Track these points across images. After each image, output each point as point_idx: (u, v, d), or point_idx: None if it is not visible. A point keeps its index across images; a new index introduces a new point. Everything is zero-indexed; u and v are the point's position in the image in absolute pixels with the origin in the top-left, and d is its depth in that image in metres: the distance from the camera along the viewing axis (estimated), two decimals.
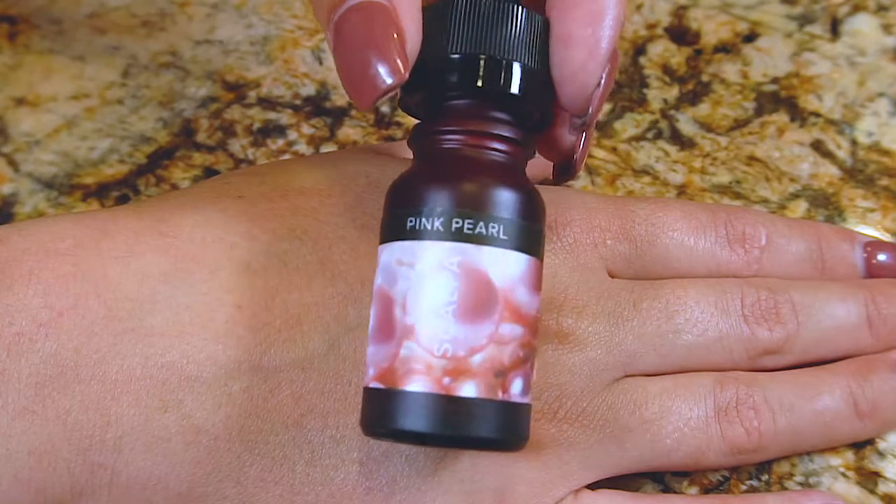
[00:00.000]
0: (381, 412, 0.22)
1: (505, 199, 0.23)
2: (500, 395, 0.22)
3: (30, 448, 0.24)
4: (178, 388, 0.25)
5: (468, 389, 0.22)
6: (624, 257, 0.30)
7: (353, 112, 0.38)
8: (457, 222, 0.22)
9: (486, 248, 0.22)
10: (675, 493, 0.30)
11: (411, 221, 0.23)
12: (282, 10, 0.41)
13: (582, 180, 0.36)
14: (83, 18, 0.41)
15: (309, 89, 0.39)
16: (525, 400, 0.23)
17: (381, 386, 0.22)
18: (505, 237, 0.22)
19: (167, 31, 0.40)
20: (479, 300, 0.22)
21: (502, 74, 0.23)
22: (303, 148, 0.37)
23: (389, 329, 0.23)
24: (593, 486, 0.28)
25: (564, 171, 0.26)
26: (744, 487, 0.30)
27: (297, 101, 0.38)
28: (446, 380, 0.22)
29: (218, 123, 0.37)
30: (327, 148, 0.37)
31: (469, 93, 0.23)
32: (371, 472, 0.26)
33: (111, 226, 0.26)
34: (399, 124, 0.37)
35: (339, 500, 0.26)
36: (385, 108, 0.38)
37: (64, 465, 0.24)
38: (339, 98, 0.38)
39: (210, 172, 0.36)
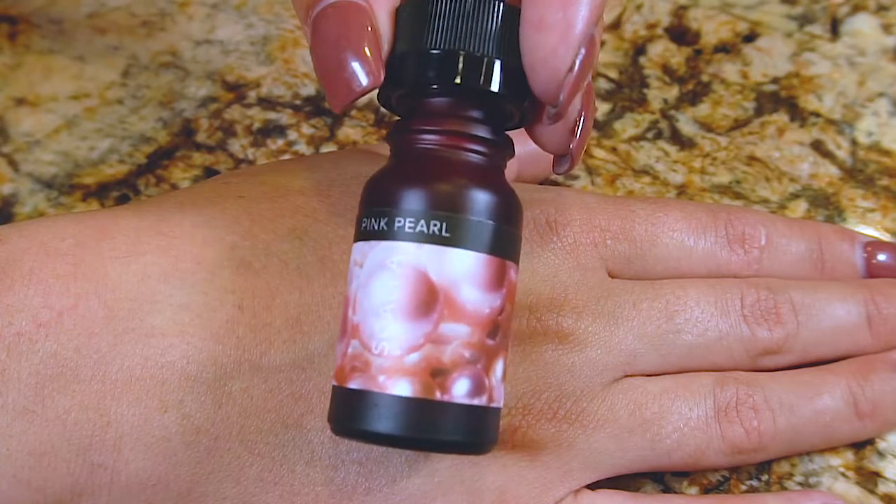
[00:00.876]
0: (335, 410, 0.23)
1: (447, 196, 0.22)
2: (438, 396, 0.22)
3: (30, 448, 0.24)
4: (178, 388, 0.25)
5: (402, 388, 0.22)
6: (624, 257, 0.30)
7: (353, 112, 0.38)
8: (398, 221, 0.22)
9: (427, 247, 0.22)
10: (675, 493, 0.30)
11: (364, 222, 0.23)
12: (282, 10, 0.41)
13: (582, 180, 0.36)
14: (83, 18, 0.41)
15: (309, 89, 0.39)
16: (477, 402, 0.22)
17: (335, 384, 0.23)
18: (448, 235, 0.22)
19: (167, 31, 0.40)
20: (417, 299, 0.22)
21: (480, 71, 0.22)
22: (303, 148, 0.37)
23: (344, 328, 0.23)
24: (593, 486, 0.28)
25: (561, 162, 0.26)
26: (744, 487, 0.30)
27: (297, 101, 0.38)
28: (381, 378, 0.22)
29: (218, 123, 0.37)
30: (327, 148, 0.37)
31: (445, 90, 0.23)
32: (371, 473, 0.26)
33: (111, 226, 0.26)
34: None
35: (339, 501, 0.26)
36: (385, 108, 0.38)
37: (64, 465, 0.24)
38: None
39: (210, 172, 0.36)
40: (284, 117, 0.38)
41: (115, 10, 0.41)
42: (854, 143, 0.37)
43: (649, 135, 0.37)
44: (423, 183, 0.22)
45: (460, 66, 0.22)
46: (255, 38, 0.40)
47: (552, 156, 0.26)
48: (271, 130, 0.37)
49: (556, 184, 0.35)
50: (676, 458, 0.28)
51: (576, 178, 0.36)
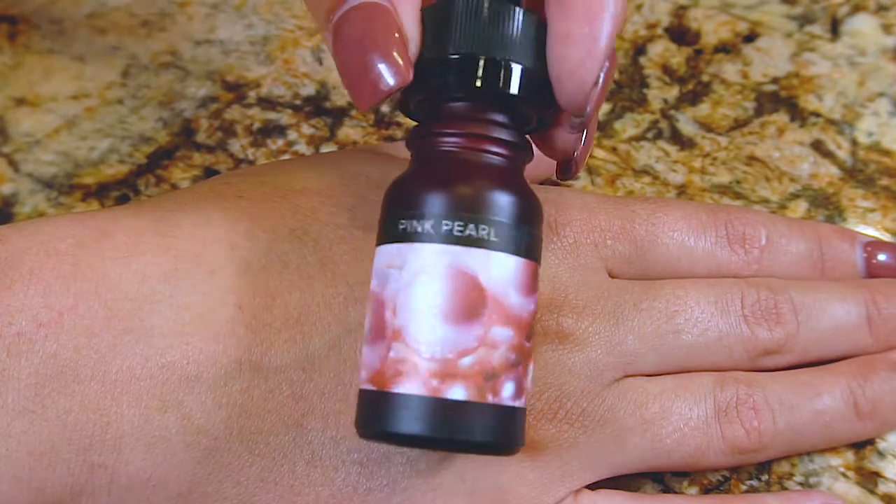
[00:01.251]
0: (372, 414, 0.22)
1: (496, 202, 0.22)
2: (489, 399, 0.22)
3: (29, 448, 0.24)
4: (179, 389, 0.25)
5: (457, 392, 0.22)
6: (624, 257, 0.30)
7: (353, 112, 0.38)
8: (446, 224, 0.22)
9: (475, 251, 0.22)
10: (675, 493, 0.30)
11: (402, 224, 0.23)
12: (282, 10, 0.41)
13: (582, 180, 0.36)
14: (83, 18, 0.41)
15: (309, 89, 0.39)
16: (517, 403, 0.23)
17: (372, 388, 0.22)
18: (495, 239, 0.22)
19: (167, 31, 0.40)
20: (467, 303, 0.22)
21: (501, 75, 0.23)
22: (303, 148, 0.37)
23: (381, 331, 0.22)
24: (593, 486, 0.28)
25: (566, 168, 0.26)
26: (744, 487, 0.30)
27: (297, 101, 0.38)
28: (434, 382, 0.22)
29: (218, 123, 0.37)
30: (327, 148, 0.37)
31: (467, 94, 0.23)
32: (372, 473, 0.26)
33: (111, 226, 0.26)
34: (399, 124, 0.37)
35: (339, 501, 0.26)
36: (385, 108, 0.38)
37: (64, 466, 0.24)
38: (339, 98, 0.38)
39: (210, 172, 0.36)
40: (284, 117, 0.38)
41: (115, 10, 0.41)
42: (854, 143, 0.37)
43: (649, 135, 0.37)
44: (473, 187, 0.23)
45: (501, 68, 0.23)
46: (255, 38, 0.40)
47: (555, 161, 0.26)
48: (271, 130, 0.37)
49: (556, 184, 0.35)
50: (676, 458, 0.28)
51: (576, 178, 0.36)
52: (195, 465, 0.25)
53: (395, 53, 0.22)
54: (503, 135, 0.24)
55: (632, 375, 0.28)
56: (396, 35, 0.22)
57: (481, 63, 0.23)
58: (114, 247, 0.26)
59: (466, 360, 0.22)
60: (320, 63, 0.39)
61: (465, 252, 0.22)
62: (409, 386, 0.22)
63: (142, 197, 0.36)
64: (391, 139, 0.37)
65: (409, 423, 0.22)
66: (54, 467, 0.24)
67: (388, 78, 0.22)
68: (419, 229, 0.22)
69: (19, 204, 0.35)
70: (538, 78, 0.23)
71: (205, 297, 0.25)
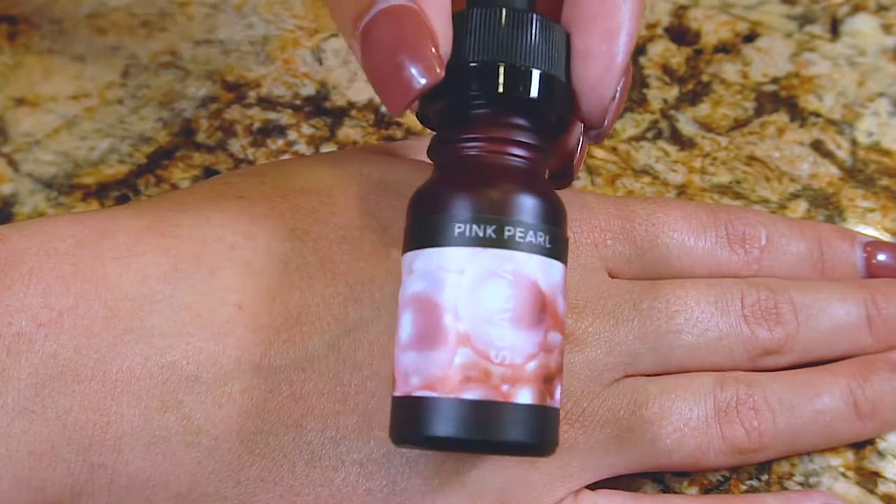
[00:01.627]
0: (432, 420, 0.22)
1: (547, 209, 0.23)
2: (548, 401, 0.22)
3: (29, 448, 0.24)
4: (178, 389, 0.25)
5: (524, 396, 0.22)
6: (624, 257, 0.30)
7: (353, 112, 0.38)
8: (509, 230, 0.22)
9: (536, 257, 0.22)
10: (675, 493, 0.30)
11: (459, 228, 0.22)
12: (282, 10, 0.41)
13: (582, 180, 0.36)
14: (83, 18, 0.41)
15: (309, 89, 0.39)
16: (559, 405, 0.23)
17: (432, 394, 0.22)
18: (549, 246, 0.23)
19: (167, 31, 0.40)
20: (532, 308, 0.22)
21: (524, 81, 0.23)
22: (303, 148, 0.37)
23: (438, 336, 0.22)
24: (593, 486, 0.28)
25: (561, 176, 0.27)
26: (744, 487, 0.30)
27: (297, 101, 0.38)
28: (505, 387, 0.22)
29: (218, 123, 0.37)
30: (327, 148, 0.37)
31: (495, 101, 0.23)
32: (371, 474, 0.26)
33: (111, 226, 0.26)
34: (399, 124, 0.37)
35: (339, 501, 0.26)
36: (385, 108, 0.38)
37: (64, 465, 0.24)
38: (339, 98, 0.38)
39: (210, 172, 0.36)
40: (284, 117, 0.38)
41: (115, 10, 0.41)
42: (854, 143, 0.37)
43: (649, 135, 0.37)
44: (536, 194, 0.23)
45: (546, 76, 0.23)
46: (255, 38, 0.40)
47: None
48: (271, 130, 0.37)
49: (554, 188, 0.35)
50: (676, 458, 0.28)
51: (576, 178, 0.36)
52: (195, 465, 0.25)
53: (426, 51, 0.22)
54: (547, 145, 0.24)
55: (632, 375, 0.28)
56: (426, 35, 0.22)
57: (503, 70, 0.23)
58: (114, 247, 0.26)
59: (531, 365, 0.22)
60: (320, 63, 0.39)
61: (528, 258, 0.22)
62: (482, 392, 0.22)
63: (142, 197, 0.36)
64: (391, 139, 0.37)
65: (479, 428, 0.22)
66: (54, 467, 0.24)
67: (420, 77, 0.22)
68: (480, 234, 0.22)
69: (19, 204, 0.35)
70: (559, 85, 0.24)
71: (204, 297, 0.25)
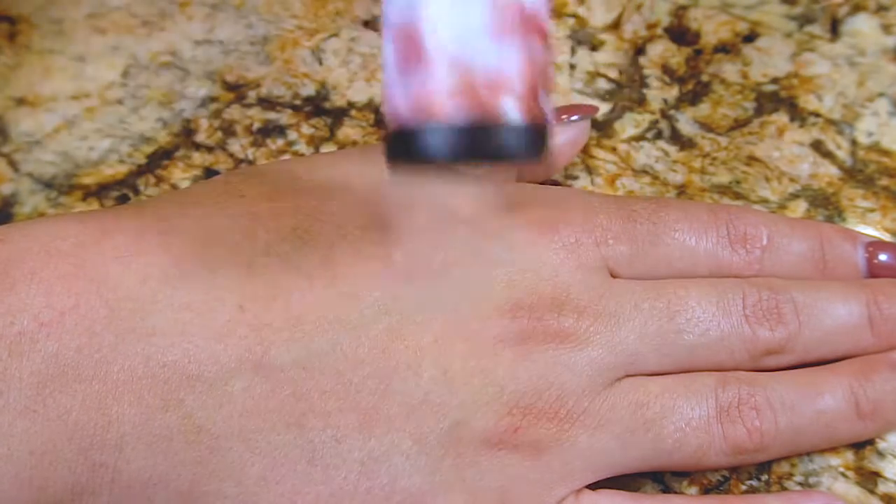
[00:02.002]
0: (424, 139, 0.22)
1: None
2: (535, 111, 0.22)
3: (31, 448, 0.24)
4: (180, 388, 0.25)
5: (511, 106, 0.21)
6: (625, 257, 0.30)
7: (353, 112, 0.38)
8: None
9: None
10: (675, 493, 0.30)
11: None
12: (282, 10, 0.41)
13: (582, 180, 0.36)
14: (83, 18, 0.41)
15: (309, 89, 0.39)
16: (548, 116, 0.23)
17: (421, 116, 0.22)
18: None
19: (167, 31, 0.40)
20: (512, 18, 0.21)
21: None
22: (303, 148, 0.37)
23: (421, 58, 0.22)
24: (594, 486, 0.28)
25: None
26: (744, 487, 0.30)
27: (297, 101, 0.38)
28: (492, 99, 0.21)
29: (218, 123, 0.37)
30: (327, 148, 0.37)
31: None
32: (372, 472, 0.26)
33: (112, 225, 0.26)
34: None
35: (340, 500, 0.26)
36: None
37: (65, 465, 0.24)
38: (339, 98, 0.38)
39: (210, 172, 0.36)
40: (284, 117, 0.38)
41: (115, 10, 0.41)
42: (854, 143, 0.37)
43: (649, 135, 0.37)
44: None
45: None
46: (255, 38, 0.40)
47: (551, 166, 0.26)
48: (271, 130, 0.37)
49: (556, 183, 0.35)
50: (678, 457, 0.28)
51: (576, 178, 0.36)
52: (196, 464, 0.25)
53: None
54: None
55: (633, 375, 0.28)
56: None
57: None
58: (115, 247, 0.26)
59: (516, 77, 0.21)
60: (320, 63, 0.39)
61: None
62: (467, 105, 0.21)
63: (142, 197, 0.36)
64: None
65: (472, 143, 0.21)
66: (56, 466, 0.24)
67: None
68: None
69: (19, 204, 0.35)
70: None
71: (205, 296, 0.25)
